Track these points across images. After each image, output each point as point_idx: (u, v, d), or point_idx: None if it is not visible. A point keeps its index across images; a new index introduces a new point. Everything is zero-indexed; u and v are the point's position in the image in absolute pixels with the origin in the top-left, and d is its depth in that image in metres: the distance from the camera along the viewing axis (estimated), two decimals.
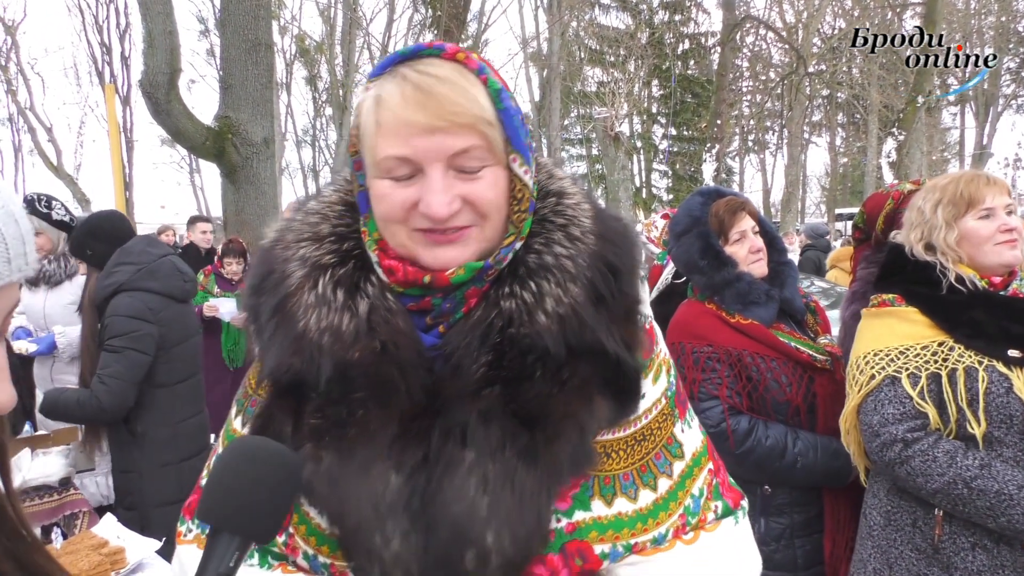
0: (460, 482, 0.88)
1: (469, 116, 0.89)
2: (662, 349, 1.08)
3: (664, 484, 1.01)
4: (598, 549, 0.94)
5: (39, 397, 4.09)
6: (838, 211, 31.86)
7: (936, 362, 1.99)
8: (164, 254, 3.32)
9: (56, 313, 4.00)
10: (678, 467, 1.03)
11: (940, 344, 2.00)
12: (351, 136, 0.96)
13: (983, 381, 1.92)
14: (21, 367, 3.86)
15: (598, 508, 0.96)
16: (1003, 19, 29.85)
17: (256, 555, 1.00)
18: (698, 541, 1.02)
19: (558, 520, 0.94)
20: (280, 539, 0.97)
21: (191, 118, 7.30)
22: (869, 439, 2.06)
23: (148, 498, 3.16)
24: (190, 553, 1.03)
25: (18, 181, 32.10)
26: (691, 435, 1.08)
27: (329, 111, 28.31)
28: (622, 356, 0.95)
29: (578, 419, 0.92)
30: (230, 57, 7.51)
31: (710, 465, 1.09)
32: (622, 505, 0.97)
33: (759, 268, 2.48)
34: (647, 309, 1.06)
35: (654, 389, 1.04)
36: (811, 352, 2.40)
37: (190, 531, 1.06)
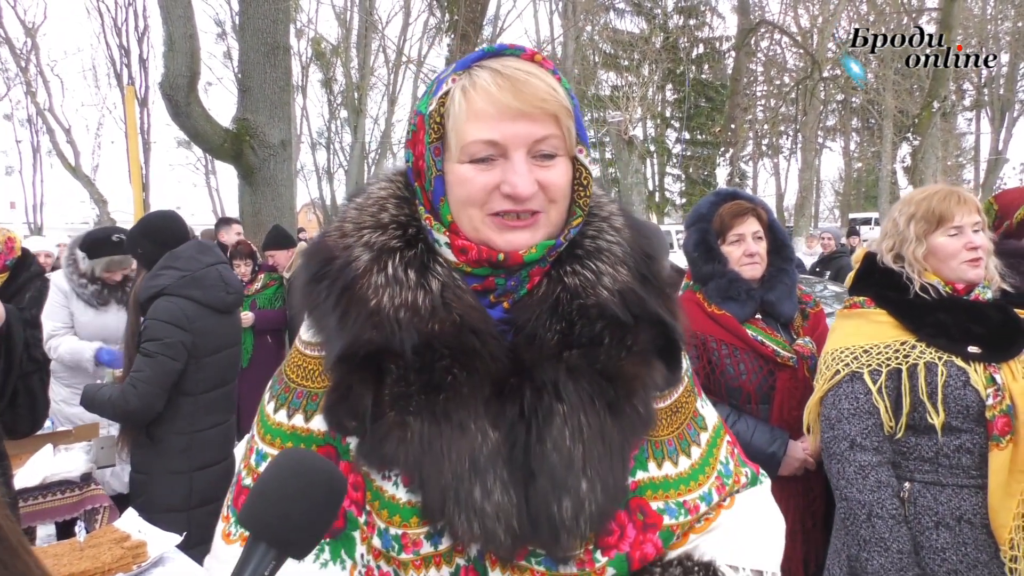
0: (557, 432, 0.95)
1: (556, 105, 0.98)
2: None
3: (696, 452, 1.13)
4: (655, 505, 1.05)
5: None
6: (852, 216, 31.68)
7: (897, 359, 2.15)
8: (213, 263, 3.34)
9: None
10: (703, 437, 1.16)
11: (903, 343, 2.16)
12: (432, 124, 1.01)
13: (942, 375, 2.08)
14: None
15: (652, 469, 1.07)
16: (1019, 24, 29.63)
17: (328, 549, 1.01)
18: (735, 506, 1.15)
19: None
20: (361, 519, 1.01)
21: (210, 120, 7.39)
22: (825, 429, 2.24)
23: (155, 502, 3.17)
24: (233, 553, 1.03)
25: (36, 181, 32.53)
26: (709, 411, 1.22)
27: (344, 114, 28.49)
28: (673, 324, 1.06)
29: (644, 380, 1.02)
30: (248, 60, 7.59)
31: (728, 438, 1.22)
32: (668, 468, 1.08)
33: (750, 271, 2.64)
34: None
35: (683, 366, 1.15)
36: (776, 348, 2.57)
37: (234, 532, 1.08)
